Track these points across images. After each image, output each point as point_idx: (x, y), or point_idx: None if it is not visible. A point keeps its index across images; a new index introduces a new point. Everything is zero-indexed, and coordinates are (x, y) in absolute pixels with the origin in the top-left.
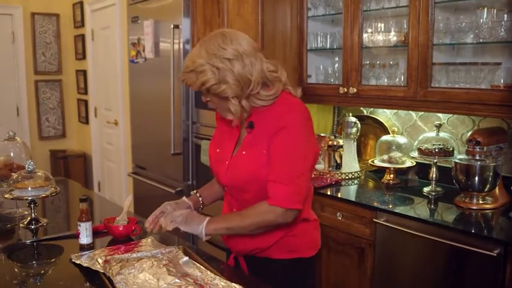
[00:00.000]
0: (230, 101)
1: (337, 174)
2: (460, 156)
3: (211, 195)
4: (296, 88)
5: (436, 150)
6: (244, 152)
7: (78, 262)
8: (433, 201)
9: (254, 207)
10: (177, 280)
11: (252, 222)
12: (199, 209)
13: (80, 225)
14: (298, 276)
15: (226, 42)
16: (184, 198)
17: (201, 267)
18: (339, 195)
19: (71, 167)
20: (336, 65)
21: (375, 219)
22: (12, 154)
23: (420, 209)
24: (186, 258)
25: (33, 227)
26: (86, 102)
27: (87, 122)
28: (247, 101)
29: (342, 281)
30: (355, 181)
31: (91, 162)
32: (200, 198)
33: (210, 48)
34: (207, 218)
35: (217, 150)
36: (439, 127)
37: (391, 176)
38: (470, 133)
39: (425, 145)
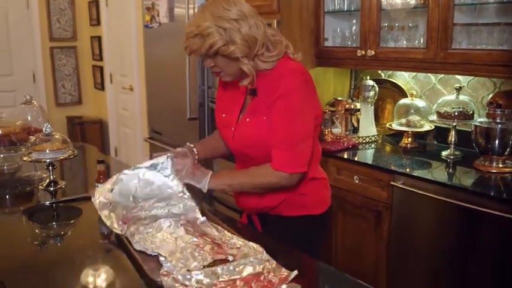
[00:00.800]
0: (241, 61)
1: (354, 138)
2: (480, 119)
3: (205, 149)
4: (296, 52)
5: (456, 113)
6: (248, 119)
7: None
8: (451, 165)
9: (259, 168)
10: (195, 239)
11: (255, 182)
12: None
13: (97, 187)
14: (309, 233)
15: (230, 4)
16: (179, 149)
17: (218, 227)
18: (356, 158)
19: (88, 133)
20: (354, 28)
21: (392, 182)
22: (29, 118)
23: (438, 173)
24: (203, 218)
25: (51, 189)
26: (101, 68)
27: (102, 88)
28: (253, 61)
29: (358, 244)
30: (372, 145)
31: (107, 128)
32: (195, 150)
33: (214, 11)
34: (211, 172)
35: (223, 115)
36: (458, 90)
37: (409, 139)
38: (491, 96)
39: (445, 108)
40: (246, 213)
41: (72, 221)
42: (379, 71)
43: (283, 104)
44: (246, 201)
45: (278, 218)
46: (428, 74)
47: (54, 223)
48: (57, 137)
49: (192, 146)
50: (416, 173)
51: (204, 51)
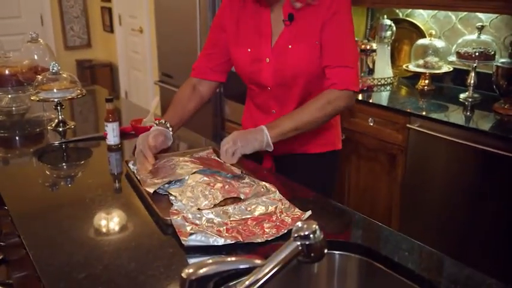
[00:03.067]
0: None
1: (369, 79)
2: (502, 60)
3: (179, 120)
4: None
5: (477, 53)
6: (290, 46)
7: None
8: (469, 108)
9: (321, 98)
10: (205, 178)
11: (324, 113)
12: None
13: (107, 126)
14: (331, 169)
15: None
16: (154, 127)
17: (231, 166)
18: (371, 100)
19: (98, 77)
20: None
21: (408, 125)
22: (36, 57)
23: (456, 116)
24: (216, 158)
25: (61, 129)
26: (109, 10)
27: (111, 30)
28: None
29: (371, 187)
30: (388, 87)
31: (117, 71)
32: (170, 128)
33: None
34: (264, 127)
35: (249, 50)
36: (480, 29)
37: (426, 81)
38: None
39: (465, 49)
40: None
41: (82, 162)
42: (397, 10)
43: (341, 22)
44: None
45: (304, 156)
46: (449, 13)
47: (64, 164)
48: (64, 76)
49: (164, 122)
50: (433, 116)
51: None
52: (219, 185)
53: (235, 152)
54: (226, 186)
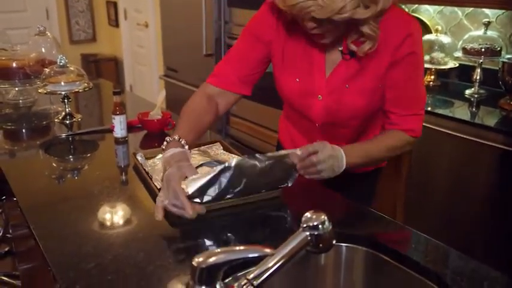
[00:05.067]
0: (369, 24)
1: None
2: (508, 56)
3: (195, 136)
4: None
5: (483, 49)
6: (347, 86)
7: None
8: (475, 104)
9: (394, 139)
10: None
11: (391, 154)
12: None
13: (114, 118)
14: (370, 184)
15: None
16: (172, 150)
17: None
18: None
19: (103, 71)
20: None
21: None
22: (43, 50)
23: (461, 111)
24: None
25: (68, 122)
26: (115, 4)
27: (117, 25)
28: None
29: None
30: None
31: (122, 65)
32: (186, 146)
33: None
34: (342, 150)
35: (297, 79)
36: (487, 25)
37: (432, 77)
38: None
39: (471, 44)
40: None
41: (89, 154)
42: (403, 6)
43: (413, 65)
44: None
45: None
46: (455, 8)
47: (71, 156)
48: (71, 69)
49: (181, 141)
50: (438, 111)
51: (329, 14)
52: None
53: (320, 172)
54: None
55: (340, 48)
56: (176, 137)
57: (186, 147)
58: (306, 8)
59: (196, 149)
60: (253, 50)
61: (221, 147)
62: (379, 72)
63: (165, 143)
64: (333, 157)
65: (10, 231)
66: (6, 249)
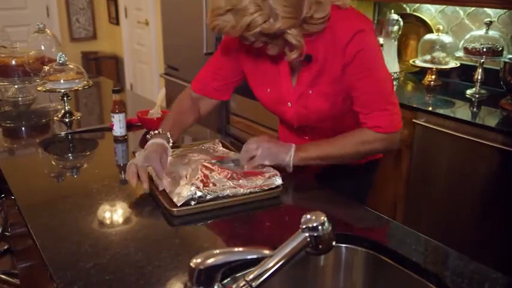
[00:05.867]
0: (287, 34)
1: None
2: (510, 56)
3: (179, 133)
4: None
5: (484, 49)
6: (310, 92)
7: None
8: (476, 104)
9: (356, 135)
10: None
11: (356, 151)
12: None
13: (113, 117)
14: (366, 178)
15: None
16: (154, 140)
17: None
18: None
19: (103, 69)
20: None
21: (414, 120)
22: (43, 47)
23: (462, 111)
24: (222, 149)
25: (67, 120)
26: (115, 2)
27: (117, 22)
28: (301, 27)
29: (376, 183)
30: (394, 82)
31: (122, 63)
32: (170, 137)
33: None
34: (293, 146)
35: (268, 89)
36: (489, 25)
37: (433, 77)
38: None
39: (472, 44)
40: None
41: (88, 152)
42: (404, 5)
43: (364, 62)
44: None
45: (342, 167)
46: (457, 8)
47: (70, 155)
48: (71, 66)
49: (167, 133)
50: (439, 111)
51: (238, 32)
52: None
53: (254, 158)
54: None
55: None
56: (160, 130)
57: (171, 141)
58: (223, 29)
59: (196, 147)
60: (227, 61)
61: (220, 145)
62: (335, 75)
63: (151, 132)
64: (268, 142)
65: (9, 229)
66: (5, 247)
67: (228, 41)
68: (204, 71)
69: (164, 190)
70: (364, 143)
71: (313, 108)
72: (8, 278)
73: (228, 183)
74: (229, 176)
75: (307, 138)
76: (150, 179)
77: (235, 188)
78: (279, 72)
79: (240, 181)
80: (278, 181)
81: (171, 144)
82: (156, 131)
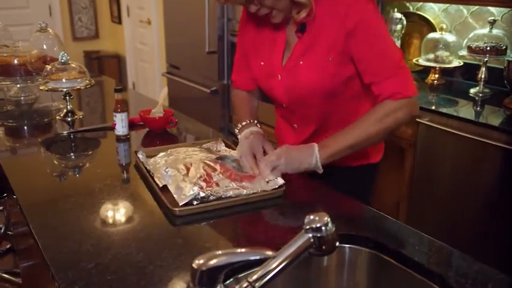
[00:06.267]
0: None
1: None
2: None
3: (255, 116)
4: None
5: (488, 48)
6: (301, 62)
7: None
8: (479, 103)
9: (377, 111)
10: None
11: (383, 127)
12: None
13: (115, 116)
14: (363, 183)
15: None
16: (251, 129)
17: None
18: None
19: (105, 68)
20: None
21: (417, 119)
22: (45, 47)
23: (466, 110)
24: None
25: (69, 119)
26: (117, 1)
27: (119, 21)
28: None
29: (379, 183)
30: None
31: (125, 62)
32: (258, 124)
33: None
34: (315, 145)
35: (261, 63)
36: (492, 23)
37: (436, 76)
38: None
39: (476, 43)
40: None
41: (91, 152)
42: (407, 4)
43: (367, 33)
44: None
45: (331, 169)
46: (460, 7)
47: (72, 154)
48: (73, 66)
49: (256, 122)
50: (443, 110)
51: None
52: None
53: (276, 168)
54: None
55: (294, 30)
56: (248, 121)
57: (259, 125)
58: None
59: (198, 146)
60: (244, 53)
61: (223, 144)
62: (329, 45)
63: (239, 126)
64: (289, 149)
65: (11, 228)
66: (8, 246)
67: (240, 22)
68: (237, 66)
69: (167, 188)
70: (385, 115)
71: (301, 80)
72: (10, 277)
73: (231, 185)
74: (232, 176)
75: (296, 127)
76: (152, 178)
77: (238, 189)
78: (274, 45)
79: (243, 183)
80: (280, 181)
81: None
82: (244, 123)
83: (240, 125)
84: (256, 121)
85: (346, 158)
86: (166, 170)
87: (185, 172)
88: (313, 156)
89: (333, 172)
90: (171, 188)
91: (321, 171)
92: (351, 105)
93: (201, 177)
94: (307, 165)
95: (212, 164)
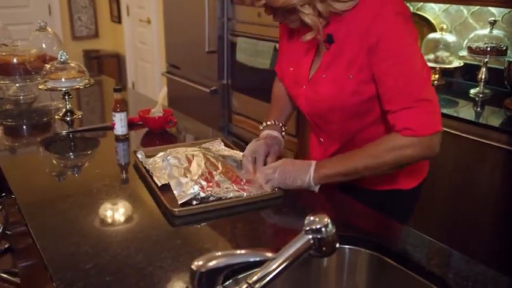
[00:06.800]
0: (300, 11)
1: None
2: None
3: (286, 118)
4: None
5: (488, 48)
6: (324, 76)
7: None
8: (480, 104)
9: (381, 143)
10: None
11: (382, 161)
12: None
13: (114, 116)
14: (393, 210)
15: None
16: (268, 132)
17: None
18: None
19: (105, 67)
20: None
21: None
22: (44, 46)
23: (466, 111)
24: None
25: (68, 119)
26: (117, 0)
27: (119, 21)
28: (322, 4)
29: None
30: None
31: (124, 62)
32: (282, 127)
33: None
34: (312, 164)
35: (291, 68)
36: (493, 24)
37: (436, 76)
38: None
39: (476, 43)
40: None
41: (90, 152)
42: (408, 4)
43: (389, 50)
44: None
45: (356, 189)
46: (461, 7)
47: (71, 153)
48: (72, 65)
49: (280, 125)
50: (443, 111)
51: (258, 3)
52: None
53: (269, 181)
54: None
55: (323, 40)
56: (272, 122)
57: (283, 129)
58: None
59: (197, 146)
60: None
61: (222, 144)
62: (350, 59)
63: (264, 124)
64: (288, 164)
65: (10, 228)
66: (6, 246)
67: (280, 26)
68: (277, 63)
69: (166, 188)
70: (392, 149)
71: (321, 93)
72: (9, 277)
73: (231, 186)
74: (233, 178)
75: (322, 141)
76: (151, 177)
77: (238, 191)
78: (305, 53)
79: (245, 185)
80: None
81: (284, 134)
82: (269, 122)
83: (265, 124)
84: (281, 124)
85: (367, 179)
86: (168, 157)
87: (186, 165)
88: (308, 174)
89: (357, 194)
90: (171, 183)
91: (316, 190)
92: (375, 128)
93: (202, 174)
94: (300, 182)
95: (214, 161)
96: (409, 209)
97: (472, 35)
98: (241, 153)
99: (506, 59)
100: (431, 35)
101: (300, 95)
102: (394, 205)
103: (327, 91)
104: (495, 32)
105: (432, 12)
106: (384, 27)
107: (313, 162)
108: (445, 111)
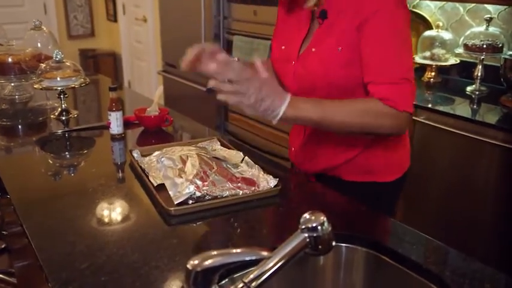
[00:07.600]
0: None
1: None
2: (510, 52)
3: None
4: None
5: (484, 46)
6: (313, 49)
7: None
8: (476, 101)
9: (361, 102)
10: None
11: (360, 122)
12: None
13: (110, 115)
14: (374, 202)
15: None
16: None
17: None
18: None
19: (101, 66)
20: None
21: (414, 117)
22: (39, 45)
23: (462, 108)
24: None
25: (64, 118)
26: None
27: (115, 19)
28: None
29: None
30: None
31: (120, 61)
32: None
33: None
34: (288, 98)
35: (282, 47)
36: (489, 21)
37: (433, 74)
38: None
39: (472, 41)
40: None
41: (85, 151)
42: None
43: (382, 26)
44: (302, 158)
45: (337, 181)
46: (456, 4)
47: (67, 153)
48: (68, 64)
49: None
50: (439, 108)
51: None
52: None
53: (244, 99)
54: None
55: (317, 16)
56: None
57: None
58: None
59: (193, 145)
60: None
61: (218, 143)
62: (340, 34)
63: None
64: (268, 83)
65: (5, 228)
66: (2, 246)
67: (278, 9)
68: None
69: (162, 187)
70: (369, 112)
71: (309, 68)
72: (5, 277)
73: (227, 185)
74: (229, 177)
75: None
76: (147, 177)
77: (234, 189)
78: (298, 31)
79: (239, 184)
80: (273, 182)
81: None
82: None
83: None
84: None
85: (345, 169)
86: (162, 159)
87: (181, 166)
88: (283, 104)
89: (335, 185)
90: (167, 184)
91: (274, 122)
92: None
93: (197, 174)
94: (269, 111)
95: (209, 161)
96: (390, 203)
97: (468, 32)
98: (238, 153)
99: (502, 56)
100: (428, 33)
101: (288, 72)
102: (375, 198)
103: (315, 65)
104: (491, 29)
105: (428, 9)
106: (376, 5)
107: (289, 97)
108: (441, 108)
